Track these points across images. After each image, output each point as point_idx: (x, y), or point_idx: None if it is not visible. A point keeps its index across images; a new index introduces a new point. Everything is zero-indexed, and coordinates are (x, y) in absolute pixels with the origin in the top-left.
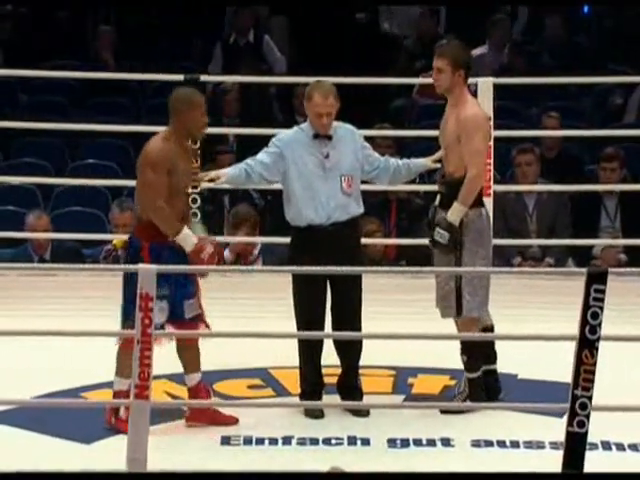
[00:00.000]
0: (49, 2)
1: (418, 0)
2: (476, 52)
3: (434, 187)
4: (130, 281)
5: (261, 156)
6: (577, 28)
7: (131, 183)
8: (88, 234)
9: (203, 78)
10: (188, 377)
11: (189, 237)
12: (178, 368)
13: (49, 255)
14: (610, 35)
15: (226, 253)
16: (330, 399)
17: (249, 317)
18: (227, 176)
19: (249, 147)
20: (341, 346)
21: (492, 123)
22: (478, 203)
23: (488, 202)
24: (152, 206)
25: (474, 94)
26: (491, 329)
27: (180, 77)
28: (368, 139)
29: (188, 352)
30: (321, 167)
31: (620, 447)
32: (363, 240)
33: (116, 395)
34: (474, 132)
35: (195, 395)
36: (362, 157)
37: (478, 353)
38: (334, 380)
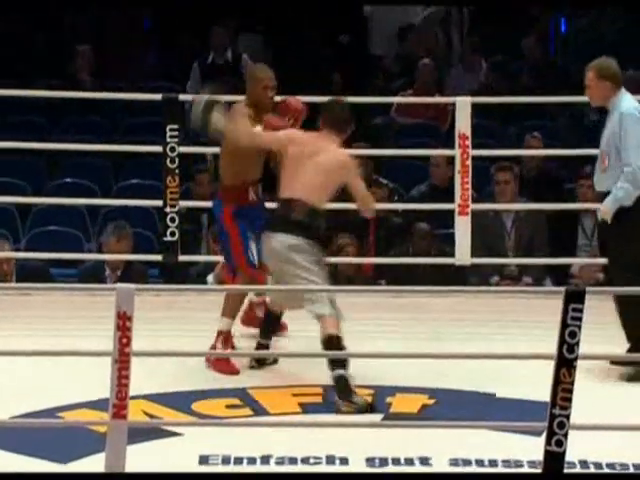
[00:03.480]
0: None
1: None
2: (452, 72)
3: (412, 205)
4: (239, 217)
5: None
6: (554, 46)
7: (111, 202)
8: (65, 254)
9: (182, 97)
10: (220, 319)
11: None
12: (155, 388)
13: (14, 276)
14: (587, 53)
15: (210, 278)
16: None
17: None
18: None
19: None
20: None
21: (470, 142)
22: None
23: (465, 220)
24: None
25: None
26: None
27: (158, 96)
28: None
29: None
30: None
31: (598, 466)
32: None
33: (219, 335)
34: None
35: (216, 338)
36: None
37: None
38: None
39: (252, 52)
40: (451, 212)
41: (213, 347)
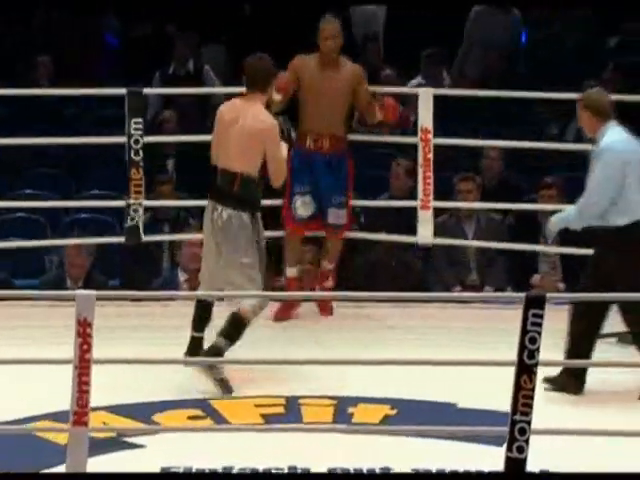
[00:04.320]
0: None
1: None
2: (412, 83)
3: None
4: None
5: None
6: (516, 58)
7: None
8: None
9: (145, 91)
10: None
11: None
12: (116, 399)
13: None
14: (547, 64)
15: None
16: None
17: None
18: None
19: (188, 177)
20: None
21: (432, 136)
22: None
23: (428, 229)
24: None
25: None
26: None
27: (122, 91)
28: None
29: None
30: None
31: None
32: None
33: (285, 281)
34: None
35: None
36: None
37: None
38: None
39: (215, 63)
40: (412, 224)
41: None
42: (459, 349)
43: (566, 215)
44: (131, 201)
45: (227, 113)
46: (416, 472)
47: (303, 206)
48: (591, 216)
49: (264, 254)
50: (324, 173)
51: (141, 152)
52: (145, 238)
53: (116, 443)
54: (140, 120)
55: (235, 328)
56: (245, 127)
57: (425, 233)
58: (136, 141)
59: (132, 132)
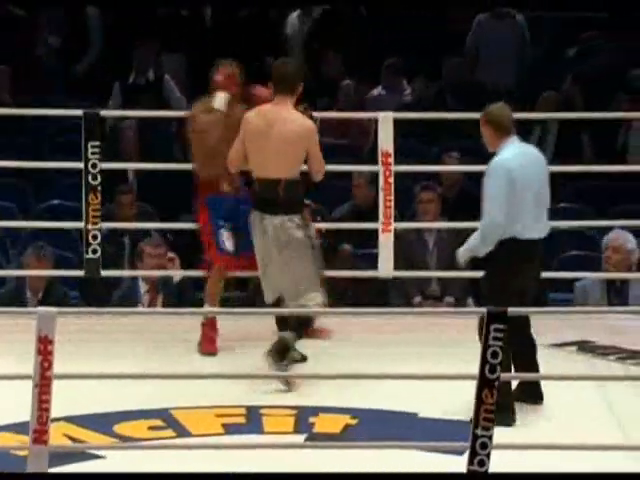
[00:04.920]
0: None
1: None
2: (373, 93)
3: (336, 225)
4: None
5: None
6: (476, 68)
7: (30, 225)
8: None
9: (103, 113)
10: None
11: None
12: (77, 410)
13: None
14: (510, 72)
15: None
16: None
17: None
18: None
19: (149, 186)
20: None
21: (392, 160)
22: None
23: (388, 237)
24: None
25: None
26: None
27: (79, 112)
28: None
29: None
30: None
31: None
32: None
33: (203, 325)
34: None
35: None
36: None
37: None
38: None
39: (175, 72)
40: (374, 233)
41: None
42: (419, 360)
43: (472, 243)
44: (89, 226)
45: (257, 122)
46: (414, 473)
47: (228, 240)
48: (493, 238)
49: (318, 251)
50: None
51: (99, 177)
52: (104, 273)
53: (76, 454)
54: (97, 144)
55: (302, 324)
56: (285, 132)
57: (385, 264)
58: (94, 165)
59: (89, 156)
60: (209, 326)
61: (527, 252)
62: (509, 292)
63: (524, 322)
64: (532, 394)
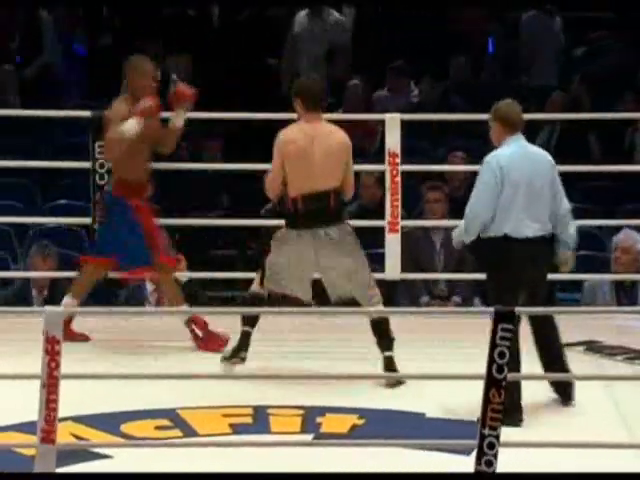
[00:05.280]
0: None
1: None
2: (378, 94)
3: None
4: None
5: None
6: (483, 68)
7: (37, 220)
8: None
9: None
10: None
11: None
12: (84, 409)
13: None
14: (515, 73)
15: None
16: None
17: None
18: None
19: (156, 188)
20: None
21: (400, 160)
22: None
23: (395, 237)
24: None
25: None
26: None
27: (87, 113)
28: None
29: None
30: None
31: None
32: None
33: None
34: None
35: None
36: None
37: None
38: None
39: (180, 72)
40: (380, 233)
41: None
42: (426, 360)
43: (458, 230)
44: (96, 226)
45: (298, 142)
46: (414, 473)
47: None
48: (474, 228)
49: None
50: None
51: (106, 176)
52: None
53: (84, 454)
54: (104, 143)
55: (388, 332)
56: (330, 144)
57: (392, 265)
58: (101, 165)
59: (97, 156)
60: (200, 324)
61: (520, 250)
62: (505, 290)
63: (546, 322)
64: (562, 393)
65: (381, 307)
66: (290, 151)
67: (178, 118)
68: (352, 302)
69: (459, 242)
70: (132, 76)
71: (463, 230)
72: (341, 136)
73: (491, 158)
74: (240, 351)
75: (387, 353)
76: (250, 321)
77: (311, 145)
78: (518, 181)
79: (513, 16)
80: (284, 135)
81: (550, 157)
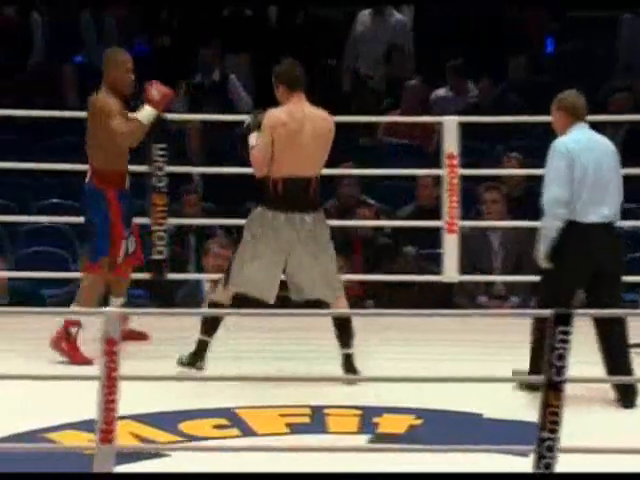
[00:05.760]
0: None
1: None
2: (438, 93)
3: (399, 223)
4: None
5: None
6: (542, 68)
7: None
8: (51, 273)
9: (169, 117)
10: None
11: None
12: (142, 408)
13: (7, 298)
14: (574, 74)
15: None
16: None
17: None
18: None
19: (214, 187)
20: None
21: (457, 162)
22: None
23: (453, 238)
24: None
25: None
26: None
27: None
28: (333, 177)
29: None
30: None
31: None
32: None
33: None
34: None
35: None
36: None
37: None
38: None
39: (239, 72)
40: (437, 234)
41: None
42: (483, 361)
43: (543, 237)
44: (155, 227)
45: (288, 124)
46: (418, 473)
47: (132, 245)
48: (556, 212)
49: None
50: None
51: (164, 179)
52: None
53: (142, 452)
54: (164, 146)
55: (350, 328)
56: (318, 129)
57: (450, 267)
58: (159, 168)
59: (155, 158)
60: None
61: (585, 236)
62: (566, 281)
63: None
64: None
65: (343, 296)
66: (281, 134)
67: (142, 112)
68: (317, 302)
69: (547, 244)
70: (109, 68)
71: (545, 218)
72: (327, 117)
73: (558, 143)
74: (198, 361)
75: (346, 350)
76: (209, 330)
77: (301, 130)
78: (586, 165)
79: (572, 16)
80: (276, 117)
81: (613, 146)
